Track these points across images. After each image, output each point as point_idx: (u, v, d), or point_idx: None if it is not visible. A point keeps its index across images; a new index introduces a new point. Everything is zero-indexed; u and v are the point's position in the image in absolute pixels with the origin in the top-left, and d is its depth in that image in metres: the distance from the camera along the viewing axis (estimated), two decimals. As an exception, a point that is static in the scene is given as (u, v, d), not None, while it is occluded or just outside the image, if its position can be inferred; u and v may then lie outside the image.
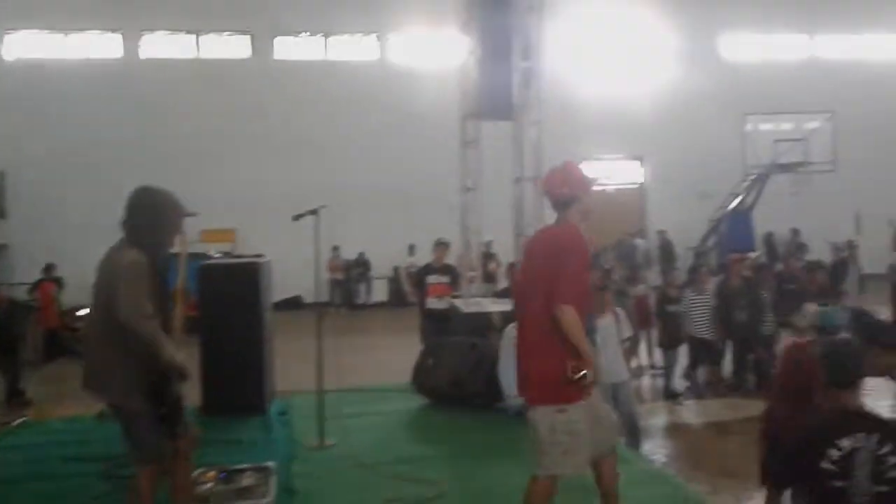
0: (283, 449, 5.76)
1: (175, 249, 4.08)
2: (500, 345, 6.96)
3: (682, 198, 18.69)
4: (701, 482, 5.82)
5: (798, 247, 13.58)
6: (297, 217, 5.89)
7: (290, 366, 8.04)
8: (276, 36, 19.37)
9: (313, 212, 5.87)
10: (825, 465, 3.08)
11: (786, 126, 16.83)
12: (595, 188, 4.07)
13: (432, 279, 9.21)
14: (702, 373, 9.14)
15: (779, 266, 12.11)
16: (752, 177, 16.87)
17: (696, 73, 19.38)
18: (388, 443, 6.04)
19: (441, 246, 9.42)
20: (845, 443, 3.07)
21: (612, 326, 6.23)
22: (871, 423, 3.13)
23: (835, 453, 3.07)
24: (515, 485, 5.06)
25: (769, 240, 17.72)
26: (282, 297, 14.96)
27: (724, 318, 8.80)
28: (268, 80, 18.67)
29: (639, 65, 20.05)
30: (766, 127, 16.82)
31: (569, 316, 3.64)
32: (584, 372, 3.67)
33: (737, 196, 16.92)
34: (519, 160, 9.04)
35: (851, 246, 11.63)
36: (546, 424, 3.79)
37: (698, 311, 8.92)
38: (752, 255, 13.09)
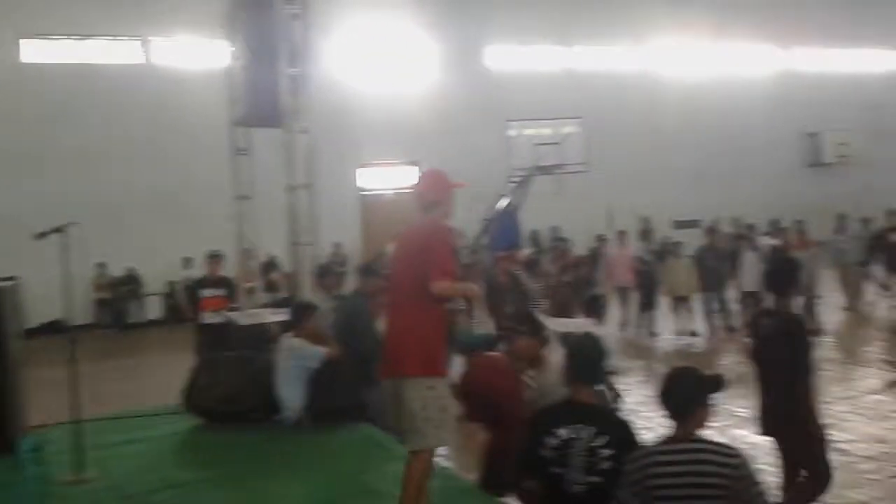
0: (34, 489, 5.30)
1: None
2: (277, 357, 6.89)
3: (456, 200, 19.39)
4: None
5: (560, 241, 14.69)
6: (41, 235, 5.43)
7: (46, 397, 7.36)
8: (22, 37, 17.58)
9: (58, 229, 5.42)
10: (544, 451, 3.24)
11: (545, 131, 18.01)
12: (456, 190, 4.69)
13: (207, 293, 8.93)
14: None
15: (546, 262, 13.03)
16: (517, 179, 17.93)
17: (464, 81, 20.27)
18: (154, 470, 5.71)
19: (214, 258, 9.15)
20: (562, 432, 3.22)
21: None
22: (590, 415, 3.28)
23: (552, 441, 3.23)
24: (291, 498, 5.06)
25: (535, 237, 18.98)
26: (39, 321, 13.71)
27: (493, 312, 9.30)
28: (14, 85, 16.85)
29: (411, 72, 20.62)
30: (528, 132, 17.93)
31: (444, 285, 4.13)
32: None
33: (504, 197, 17.91)
34: (291, 168, 8.95)
35: (601, 239, 12.76)
36: (418, 402, 4.08)
37: (472, 307, 9.38)
38: (526, 252, 13.93)
